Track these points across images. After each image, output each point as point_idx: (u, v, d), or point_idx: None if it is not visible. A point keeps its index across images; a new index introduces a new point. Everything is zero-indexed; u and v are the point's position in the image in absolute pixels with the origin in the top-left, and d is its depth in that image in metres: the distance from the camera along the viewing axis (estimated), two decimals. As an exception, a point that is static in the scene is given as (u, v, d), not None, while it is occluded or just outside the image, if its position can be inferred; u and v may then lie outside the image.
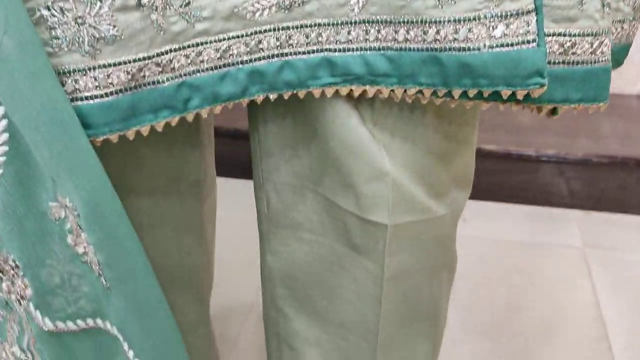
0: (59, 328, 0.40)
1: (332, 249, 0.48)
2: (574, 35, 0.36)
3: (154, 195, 0.47)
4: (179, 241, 0.50)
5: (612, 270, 1.21)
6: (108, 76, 0.35)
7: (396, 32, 0.36)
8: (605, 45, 0.36)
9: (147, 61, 0.36)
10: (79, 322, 0.41)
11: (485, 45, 0.35)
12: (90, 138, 0.36)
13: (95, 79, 0.35)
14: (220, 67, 0.38)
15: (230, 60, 0.38)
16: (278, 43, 0.38)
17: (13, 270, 0.40)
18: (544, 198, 1.37)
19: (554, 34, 0.36)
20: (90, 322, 0.41)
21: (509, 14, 0.35)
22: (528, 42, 0.35)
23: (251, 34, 0.37)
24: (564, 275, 1.20)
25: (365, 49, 0.38)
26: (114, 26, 0.34)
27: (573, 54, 0.36)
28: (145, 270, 0.38)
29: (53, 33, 0.34)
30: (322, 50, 0.39)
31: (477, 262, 1.21)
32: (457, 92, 0.37)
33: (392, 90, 0.39)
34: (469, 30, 0.35)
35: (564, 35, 0.36)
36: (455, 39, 0.35)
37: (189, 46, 0.37)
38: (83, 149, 0.35)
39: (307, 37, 0.37)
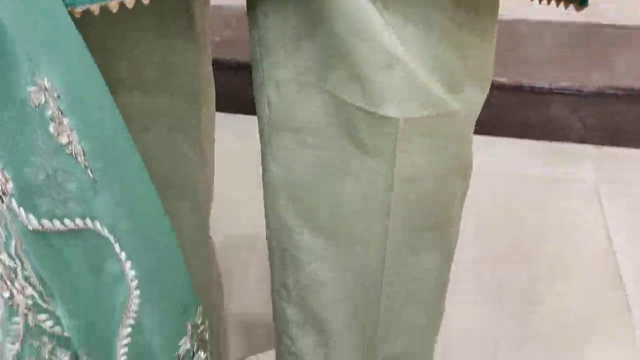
0: (45, 227, 0.38)
1: (338, 152, 0.45)
2: None
3: (146, 92, 0.43)
4: (174, 144, 0.47)
5: (625, 205, 1.18)
6: None
7: None
8: None
9: None
10: (67, 221, 0.38)
11: None
12: (67, 7, 0.32)
13: None
14: None
15: None
16: None
17: (-8, 163, 0.37)
18: (557, 133, 1.33)
19: None
20: (79, 222, 0.38)
21: None
22: None
23: None
24: (576, 210, 1.17)
25: None
26: None
27: None
28: (134, 161, 0.35)
29: None
30: None
31: (488, 197, 1.18)
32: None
33: (406, -40, 0.35)
34: None
35: None
36: None
37: None
38: (58, 18, 0.31)
39: None
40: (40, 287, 0.44)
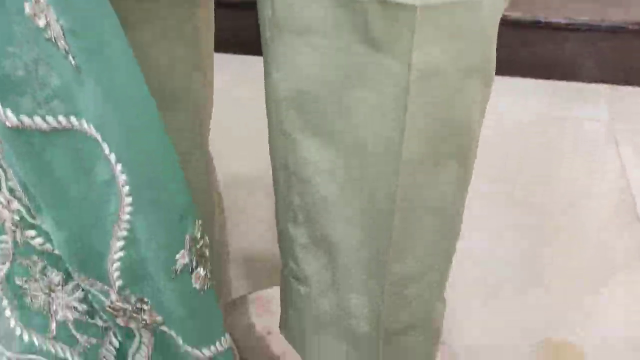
0: (24, 124, 0.34)
1: (349, 53, 0.40)
2: None
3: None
4: (169, 50, 0.43)
5: (641, 144, 1.14)
6: None
7: None
8: None
9: None
10: (49, 118, 0.34)
11: None
12: None
13: None
14: None
15: None
16: None
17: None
18: (572, 72, 1.28)
19: None
20: (62, 119, 0.35)
21: None
22: None
23: None
24: (591, 150, 1.13)
25: None
26: None
27: None
28: (120, 44, 0.31)
29: None
30: None
31: (500, 136, 1.14)
32: None
33: None
34: None
35: None
36: None
37: None
38: None
39: None
40: (26, 200, 0.40)
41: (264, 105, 0.47)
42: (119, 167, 0.35)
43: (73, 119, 0.35)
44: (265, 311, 0.80)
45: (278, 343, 0.74)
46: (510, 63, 1.26)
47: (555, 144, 1.15)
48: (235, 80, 1.19)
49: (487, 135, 0.51)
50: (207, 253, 0.43)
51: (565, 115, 1.22)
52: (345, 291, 0.50)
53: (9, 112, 0.33)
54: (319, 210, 0.47)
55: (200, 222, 0.41)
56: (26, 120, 0.34)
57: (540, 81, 1.30)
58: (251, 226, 0.99)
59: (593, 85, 1.29)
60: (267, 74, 0.45)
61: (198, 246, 0.41)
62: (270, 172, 0.50)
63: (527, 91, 1.28)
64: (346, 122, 0.43)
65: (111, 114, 0.34)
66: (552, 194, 1.04)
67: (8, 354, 0.48)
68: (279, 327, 0.59)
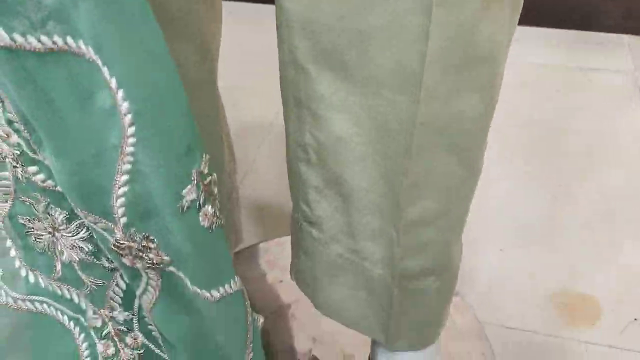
0: (18, 43, 0.32)
1: (364, -24, 0.38)
2: None
3: None
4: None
5: (665, 96, 1.10)
6: None
7: None
8: None
9: None
10: (44, 38, 0.32)
11: None
12: None
13: None
14: None
15: None
16: None
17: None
18: (594, 21, 1.23)
19: None
20: (58, 39, 0.32)
21: None
22: None
23: None
24: (613, 100, 1.10)
25: None
26: None
27: None
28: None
29: None
30: None
31: (520, 86, 1.10)
32: None
33: None
34: None
35: None
36: None
37: None
38: None
39: None
40: (25, 133, 0.39)
41: (276, 55, 0.45)
42: (120, 93, 0.33)
43: (69, 39, 0.32)
44: (275, 265, 0.79)
45: (289, 291, 0.73)
46: (530, 12, 1.21)
47: (576, 94, 1.12)
48: (246, 28, 1.16)
49: (506, 84, 0.49)
50: (216, 191, 0.41)
51: (587, 66, 1.18)
52: (359, 234, 0.48)
53: (1, 30, 0.31)
54: (333, 149, 0.45)
55: (208, 157, 0.39)
56: (19, 38, 0.31)
57: (561, 30, 1.26)
58: (261, 175, 0.97)
59: (616, 36, 1.25)
60: (279, 5, 0.43)
61: (206, 182, 0.39)
62: (281, 120, 0.48)
63: (548, 41, 1.24)
64: (361, 53, 0.40)
65: (111, 35, 0.31)
66: (574, 145, 1.01)
67: (13, 294, 0.47)
68: (290, 272, 0.58)
